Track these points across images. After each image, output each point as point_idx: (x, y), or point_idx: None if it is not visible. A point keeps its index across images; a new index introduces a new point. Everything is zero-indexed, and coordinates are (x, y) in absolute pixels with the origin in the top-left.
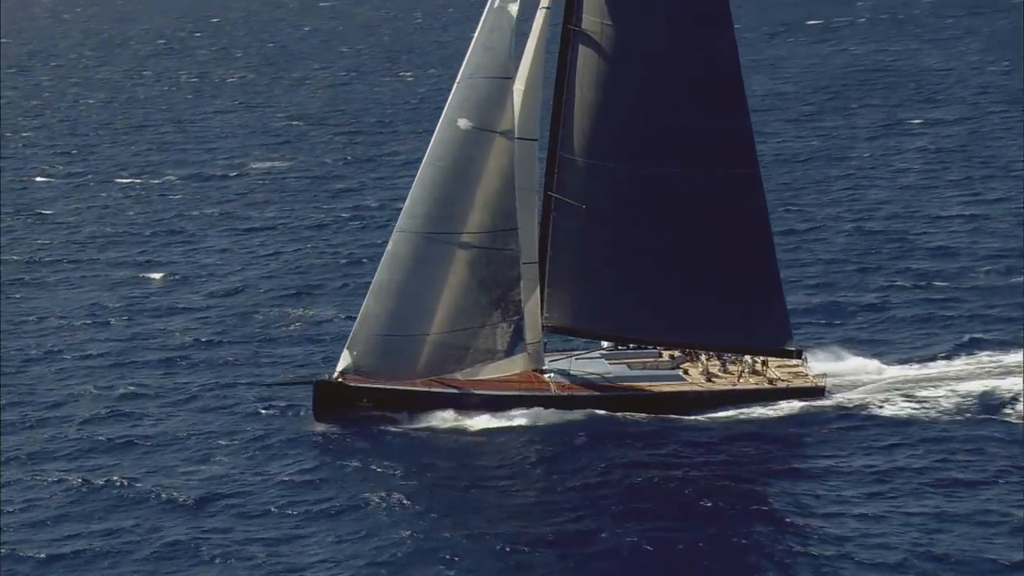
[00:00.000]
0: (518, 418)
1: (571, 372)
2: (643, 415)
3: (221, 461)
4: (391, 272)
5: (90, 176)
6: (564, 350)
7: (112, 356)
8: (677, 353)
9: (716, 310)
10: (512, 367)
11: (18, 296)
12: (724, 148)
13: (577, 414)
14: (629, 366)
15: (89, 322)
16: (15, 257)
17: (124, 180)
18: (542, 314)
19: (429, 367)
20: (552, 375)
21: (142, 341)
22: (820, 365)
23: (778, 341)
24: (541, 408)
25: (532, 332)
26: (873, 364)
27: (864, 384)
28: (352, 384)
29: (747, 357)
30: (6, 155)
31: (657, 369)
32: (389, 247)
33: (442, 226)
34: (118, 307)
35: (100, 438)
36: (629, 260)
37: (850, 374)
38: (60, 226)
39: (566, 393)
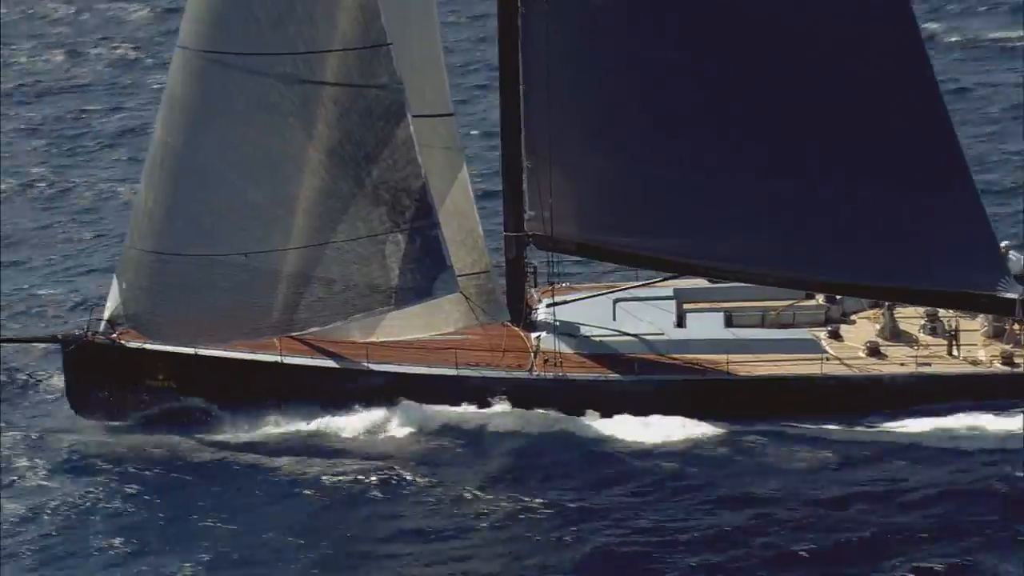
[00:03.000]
0: (465, 422)
1: (600, 331)
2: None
3: None
4: (175, 126)
5: None
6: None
7: None
8: (820, 300)
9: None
10: (439, 320)
11: None
12: None
13: (596, 423)
14: (738, 319)
15: None
16: None
17: None
18: (524, 214)
19: (270, 317)
20: (545, 336)
21: None
22: None
23: (992, 281)
24: (510, 406)
25: (469, 251)
26: None
27: None
28: (135, 346)
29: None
30: None
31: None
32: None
33: (248, 42)
34: None
35: None
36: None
37: None
38: None
39: (575, 376)
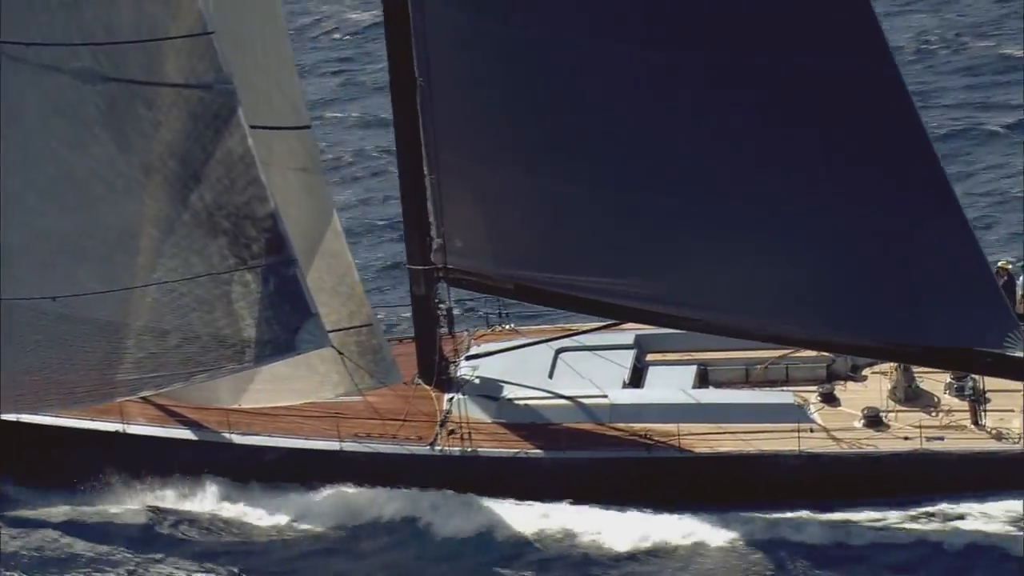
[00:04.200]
0: (343, 510)
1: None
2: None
3: None
4: None
5: None
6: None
7: None
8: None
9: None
10: (315, 384)
11: None
12: None
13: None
14: (716, 373)
15: None
16: None
17: None
18: (432, 242)
19: (88, 379)
20: (459, 399)
21: None
22: None
23: (997, 336)
24: (405, 489)
25: (344, 300)
26: None
27: None
28: None
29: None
30: None
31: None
32: None
33: (35, 29)
34: None
35: None
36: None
37: None
38: None
39: (487, 452)
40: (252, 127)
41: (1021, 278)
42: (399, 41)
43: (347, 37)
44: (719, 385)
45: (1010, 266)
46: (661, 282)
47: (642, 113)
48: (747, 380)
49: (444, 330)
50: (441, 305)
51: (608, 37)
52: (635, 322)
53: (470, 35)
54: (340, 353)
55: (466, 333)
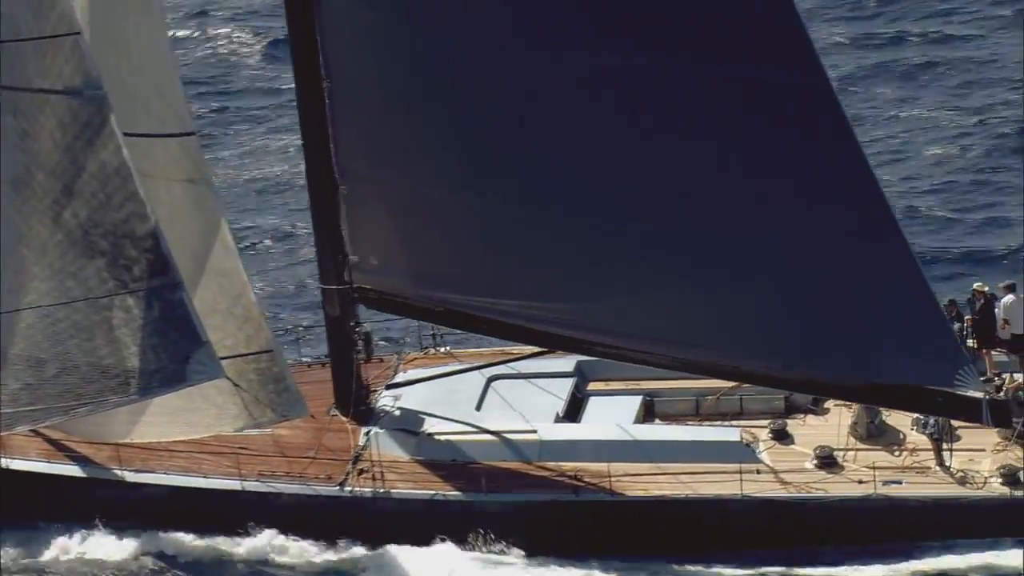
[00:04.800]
0: (240, 557)
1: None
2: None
3: None
4: None
5: None
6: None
7: None
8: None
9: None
10: (211, 418)
11: None
12: None
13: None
14: (663, 405)
15: None
16: None
17: None
18: (347, 259)
19: None
20: (376, 433)
21: None
22: None
23: (946, 373)
24: (311, 534)
25: (240, 323)
26: None
27: None
28: None
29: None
30: None
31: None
32: None
33: None
34: None
35: None
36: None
37: None
38: None
39: (400, 494)
40: (130, 135)
41: (1001, 301)
42: (303, 38)
43: (243, 32)
44: (666, 418)
45: (986, 288)
46: (591, 308)
47: (569, 126)
48: (697, 413)
49: (362, 355)
50: (358, 328)
51: (533, 45)
52: (562, 350)
53: (381, 35)
54: (236, 385)
55: (396, 356)
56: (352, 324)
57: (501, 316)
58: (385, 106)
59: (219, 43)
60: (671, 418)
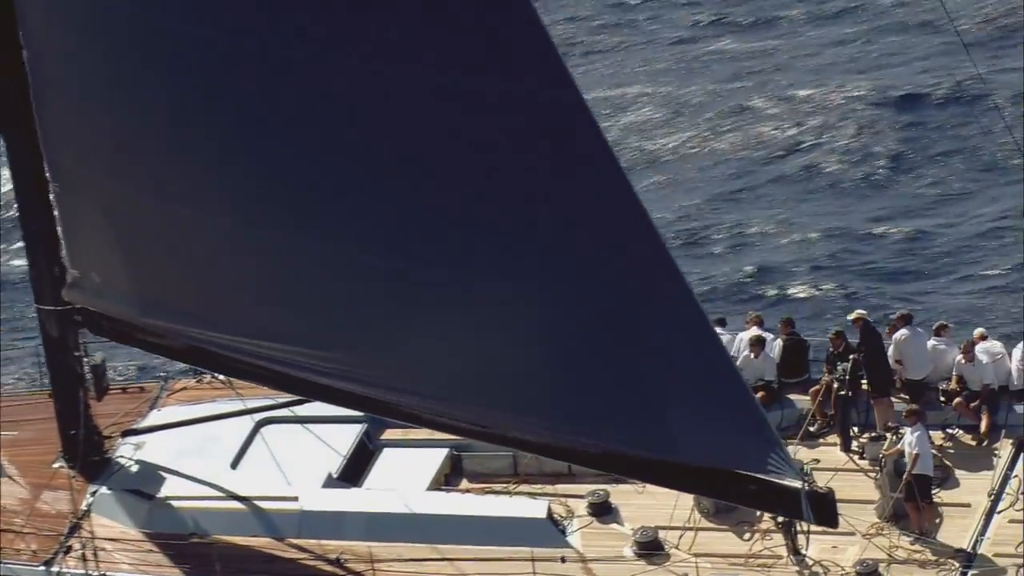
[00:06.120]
0: None
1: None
2: None
3: None
4: None
5: None
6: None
7: None
8: None
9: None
10: None
11: None
12: None
13: None
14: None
15: None
16: None
17: None
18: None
19: None
20: (103, 494)
21: None
22: None
23: (758, 458)
24: None
25: None
26: None
27: None
28: None
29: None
30: None
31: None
32: None
33: None
34: None
35: None
36: None
37: None
38: None
39: None
40: None
41: (894, 337)
42: None
43: None
44: (475, 479)
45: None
46: (333, 351)
47: (275, 142)
48: (515, 473)
49: (92, 391)
50: (86, 358)
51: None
52: (320, 400)
53: (82, 12)
54: None
55: (160, 385)
56: (77, 354)
57: (247, 356)
58: (88, 95)
59: None
60: (481, 478)
